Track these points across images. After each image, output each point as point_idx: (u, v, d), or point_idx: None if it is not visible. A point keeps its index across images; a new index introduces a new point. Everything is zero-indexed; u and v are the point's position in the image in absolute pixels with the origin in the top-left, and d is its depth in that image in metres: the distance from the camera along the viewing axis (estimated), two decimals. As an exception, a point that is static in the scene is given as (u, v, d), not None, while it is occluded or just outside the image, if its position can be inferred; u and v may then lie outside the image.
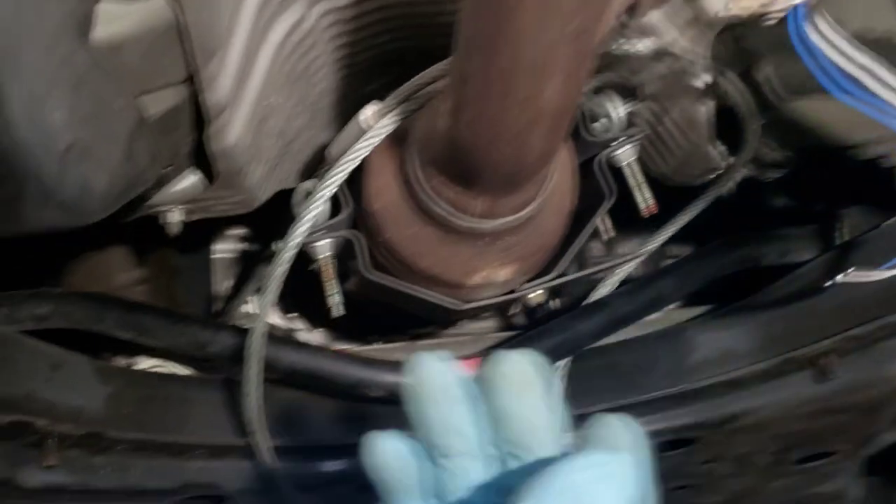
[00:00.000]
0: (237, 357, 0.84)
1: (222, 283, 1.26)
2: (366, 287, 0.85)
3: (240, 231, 1.27)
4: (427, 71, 0.75)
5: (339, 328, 1.22)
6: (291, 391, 0.91)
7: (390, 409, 0.94)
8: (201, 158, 0.82)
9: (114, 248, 1.13)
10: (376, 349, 1.09)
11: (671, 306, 1.03)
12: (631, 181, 0.88)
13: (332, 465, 0.89)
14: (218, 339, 0.88)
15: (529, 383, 0.43)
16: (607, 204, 0.86)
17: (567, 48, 0.52)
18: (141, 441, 0.87)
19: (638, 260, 0.98)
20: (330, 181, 0.77)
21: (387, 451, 0.44)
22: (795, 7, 0.77)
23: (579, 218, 0.86)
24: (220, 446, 0.89)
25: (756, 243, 1.01)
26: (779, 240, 1.01)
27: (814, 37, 0.76)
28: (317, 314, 1.21)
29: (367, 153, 0.76)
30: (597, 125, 0.87)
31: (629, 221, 0.91)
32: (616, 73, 0.87)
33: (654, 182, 0.93)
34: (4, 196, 0.58)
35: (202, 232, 1.20)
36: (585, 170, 0.87)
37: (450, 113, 0.62)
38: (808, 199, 1.13)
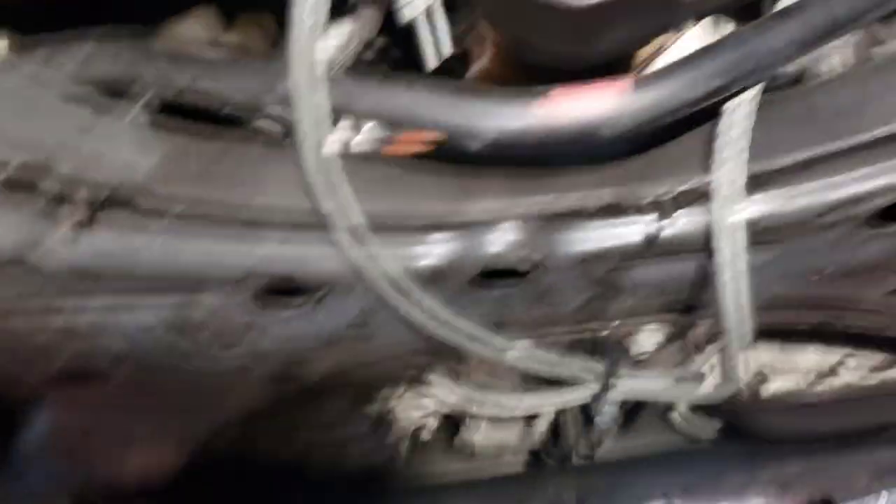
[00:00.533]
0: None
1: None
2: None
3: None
4: None
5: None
6: (390, 163, 0.76)
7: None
8: None
9: (203, 11, 0.96)
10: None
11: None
12: None
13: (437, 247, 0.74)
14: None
15: None
16: None
17: None
18: (203, 202, 0.73)
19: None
20: None
21: None
22: None
23: None
24: (301, 224, 0.75)
25: None
26: None
27: None
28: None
29: None
30: None
31: None
32: None
33: None
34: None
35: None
36: None
37: None
38: None
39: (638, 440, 1.55)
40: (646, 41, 0.82)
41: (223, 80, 0.75)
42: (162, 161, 0.74)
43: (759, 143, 0.77)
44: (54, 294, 0.76)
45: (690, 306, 1.00)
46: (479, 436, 1.48)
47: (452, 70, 0.87)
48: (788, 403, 1.24)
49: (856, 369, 1.22)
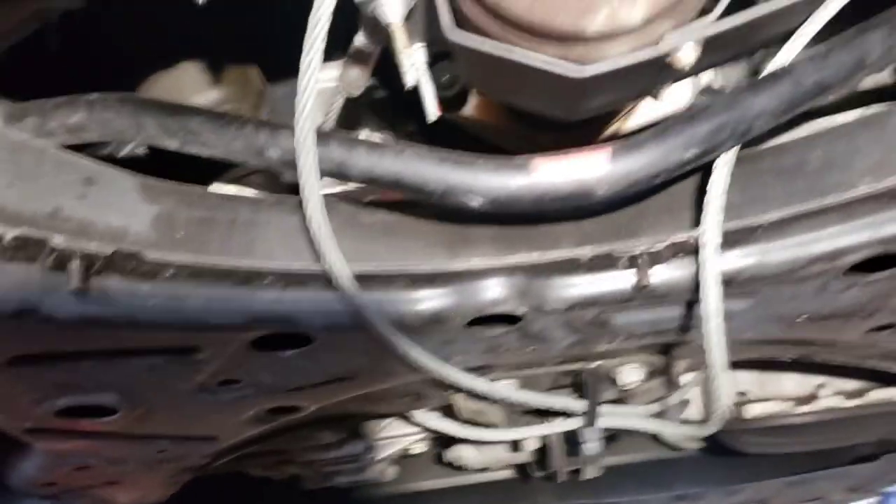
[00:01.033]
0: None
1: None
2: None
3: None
4: None
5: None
6: (380, 212, 0.77)
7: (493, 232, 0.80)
8: None
9: (188, 65, 0.98)
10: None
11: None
12: None
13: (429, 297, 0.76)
14: (277, 140, 0.74)
15: None
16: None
17: None
18: (197, 267, 0.74)
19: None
20: None
21: None
22: None
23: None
24: (296, 274, 0.76)
25: None
26: None
27: None
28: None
29: None
30: None
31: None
32: None
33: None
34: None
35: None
36: None
37: None
38: None
39: (622, 454, 1.58)
40: (634, 100, 0.84)
41: (222, 135, 0.76)
42: (151, 226, 0.74)
43: (746, 198, 0.78)
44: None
45: (674, 346, 1.02)
46: (466, 454, 1.51)
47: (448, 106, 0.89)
48: (769, 425, 1.27)
49: (833, 396, 1.25)
